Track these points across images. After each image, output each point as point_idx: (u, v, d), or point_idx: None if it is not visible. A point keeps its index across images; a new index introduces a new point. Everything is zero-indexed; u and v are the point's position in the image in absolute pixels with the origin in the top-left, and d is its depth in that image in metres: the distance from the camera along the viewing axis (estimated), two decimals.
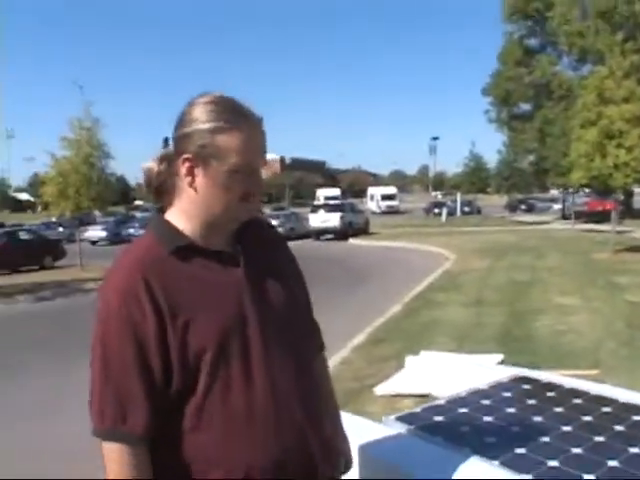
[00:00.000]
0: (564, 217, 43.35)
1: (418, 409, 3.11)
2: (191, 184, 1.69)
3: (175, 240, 1.72)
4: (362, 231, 38.09)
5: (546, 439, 2.75)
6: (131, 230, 39.45)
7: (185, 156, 1.67)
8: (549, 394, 3.43)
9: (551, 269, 16.34)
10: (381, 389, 6.28)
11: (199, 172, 1.68)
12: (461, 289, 13.76)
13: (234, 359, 1.65)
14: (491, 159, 68.85)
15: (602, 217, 31.80)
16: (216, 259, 1.74)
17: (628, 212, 38.38)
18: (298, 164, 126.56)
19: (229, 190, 1.69)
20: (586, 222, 36.34)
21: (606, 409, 3.14)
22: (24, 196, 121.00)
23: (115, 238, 39.32)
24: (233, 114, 1.68)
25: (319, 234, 36.60)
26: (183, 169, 1.69)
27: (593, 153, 18.05)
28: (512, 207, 62.48)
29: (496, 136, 46.38)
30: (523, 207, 62.86)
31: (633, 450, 2.49)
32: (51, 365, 9.27)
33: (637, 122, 17.77)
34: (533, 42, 43.97)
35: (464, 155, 62.33)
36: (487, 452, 2.57)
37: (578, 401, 3.27)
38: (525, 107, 43.63)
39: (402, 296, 13.29)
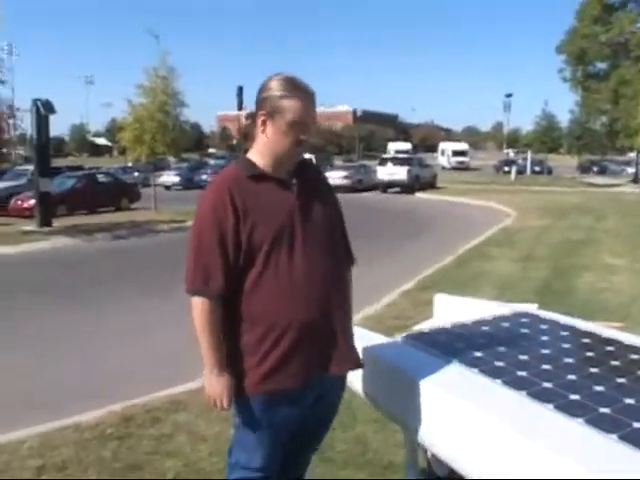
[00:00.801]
0: (635, 181, 42.50)
1: (426, 329, 3.74)
2: (263, 131, 2.55)
3: (252, 169, 2.57)
4: (429, 185, 38.37)
5: (525, 357, 3.32)
6: (204, 176, 38.76)
7: (261, 112, 2.54)
8: (542, 326, 3.98)
9: (608, 231, 16.49)
10: (418, 328, 6.87)
11: (269, 124, 2.53)
12: (515, 245, 14.11)
13: (283, 250, 2.50)
14: (564, 119, 67.06)
15: None
16: (278, 184, 2.58)
17: None
18: (370, 117, 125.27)
19: (287, 136, 2.53)
20: None
21: (585, 340, 3.69)
22: (102, 141, 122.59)
23: (188, 183, 39.64)
24: (294, 87, 2.52)
25: (386, 187, 36.92)
26: (259, 121, 2.55)
27: None
28: (584, 168, 60.99)
29: (570, 96, 45.22)
30: (595, 169, 61.06)
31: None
32: (124, 294, 10.17)
33: None
34: None
35: (537, 114, 60.97)
36: (471, 363, 3.17)
37: (565, 333, 3.82)
38: (600, 66, 42.13)
39: (457, 248, 13.78)
